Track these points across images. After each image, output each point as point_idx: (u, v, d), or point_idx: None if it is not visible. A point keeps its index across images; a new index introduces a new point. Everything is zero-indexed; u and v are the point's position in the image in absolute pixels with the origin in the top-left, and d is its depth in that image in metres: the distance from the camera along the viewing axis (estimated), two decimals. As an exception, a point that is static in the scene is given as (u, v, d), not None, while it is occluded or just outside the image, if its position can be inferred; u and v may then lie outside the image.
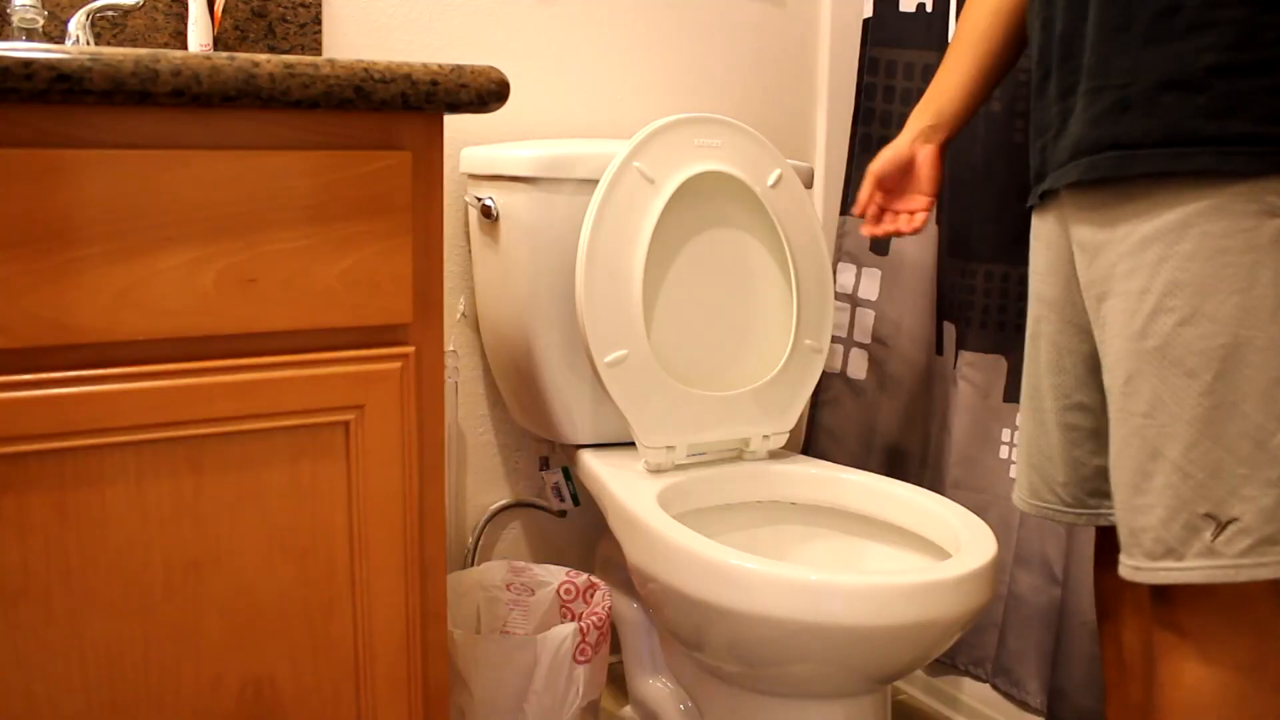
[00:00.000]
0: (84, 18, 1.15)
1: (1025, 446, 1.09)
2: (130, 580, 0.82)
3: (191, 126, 0.79)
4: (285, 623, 0.88)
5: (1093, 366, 1.00)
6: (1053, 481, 1.06)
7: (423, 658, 0.94)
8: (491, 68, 0.87)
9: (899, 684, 1.68)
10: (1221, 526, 0.85)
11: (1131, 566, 0.91)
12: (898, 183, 1.24)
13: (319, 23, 1.35)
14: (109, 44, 1.23)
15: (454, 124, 1.46)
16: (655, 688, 1.39)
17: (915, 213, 1.23)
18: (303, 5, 1.34)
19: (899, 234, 1.24)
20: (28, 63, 0.70)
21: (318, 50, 1.36)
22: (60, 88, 0.72)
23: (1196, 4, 0.83)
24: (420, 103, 0.84)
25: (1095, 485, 1.04)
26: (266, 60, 0.78)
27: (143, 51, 0.74)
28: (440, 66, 0.85)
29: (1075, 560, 1.34)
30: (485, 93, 0.87)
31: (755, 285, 1.41)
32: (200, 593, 0.84)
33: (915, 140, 1.22)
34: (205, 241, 0.80)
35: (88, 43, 1.16)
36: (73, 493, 0.79)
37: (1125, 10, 0.87)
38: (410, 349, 0.90)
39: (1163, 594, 0.92)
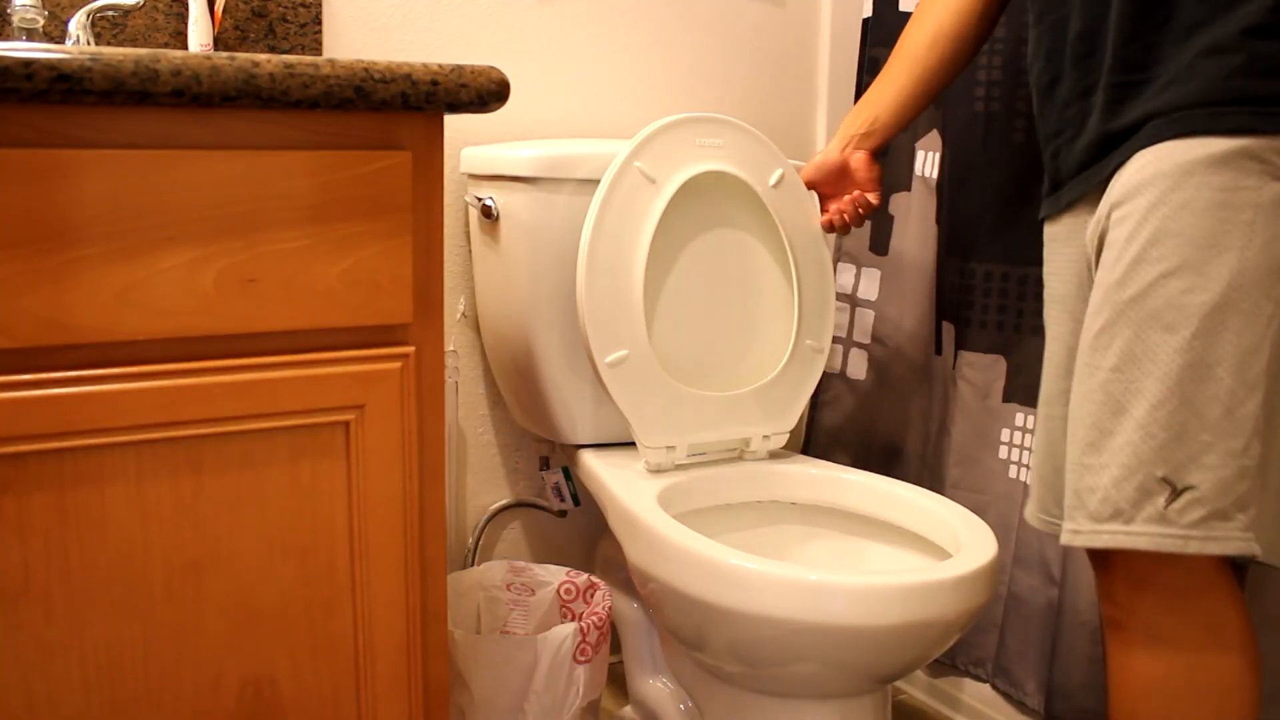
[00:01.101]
0: (84, 18, 1.15)
1: (1037, 460, 1.06)
2: (130, 580, 0.82)
3: (191, 126, 0.79)
4: (285, 623, 0.88)
5: None
6: (1063, 496, 1.02)
7: (423, 658, 0.94)
8: (491, 68, 0.87)
9: (899, 684, 1.68)
10: (1176, 493, 0.81)
11: (1071, 530, 0.87)
12: (834, 188, 1.32)
13: (319, 23, 1.35)
14: (109, 44, 1.23)
15: (454, 124, 1.46)
16: (655, 688, 1.39)
17: (856, 204, 1.29)
18: (303, 5, 1.34)
19: (845, 224, 1.31)
20: (28, 63, 0.70)
21: (318, 50, 1.36)
22: (60, 88, 0.72)
23: None
24: (420, 103, 0.84)
25: None
26: (266, 60, 0.78)
27: (143, 51, 0.74)
28: (440, 66, 0.85)
29: (1074, 561, 1.34)
30: (485, 93, 0.87)
31: (756, 285, 1.41)
32: (200, 593, 0.84)
33: (846, 147, 1.27)
34: (205, 241, 0.80)
35: (88, 43, 1.16)
36: (73, 493, 0.79)
37: (1162, 3, 0.86)
38: (410, 349, 0.90)
39: (1110, 575, 0.88)
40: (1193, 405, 0.81)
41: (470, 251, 1.50)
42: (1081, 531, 0.86)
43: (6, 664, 0.79)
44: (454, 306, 1.52)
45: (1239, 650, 0.85)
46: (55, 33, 1.19)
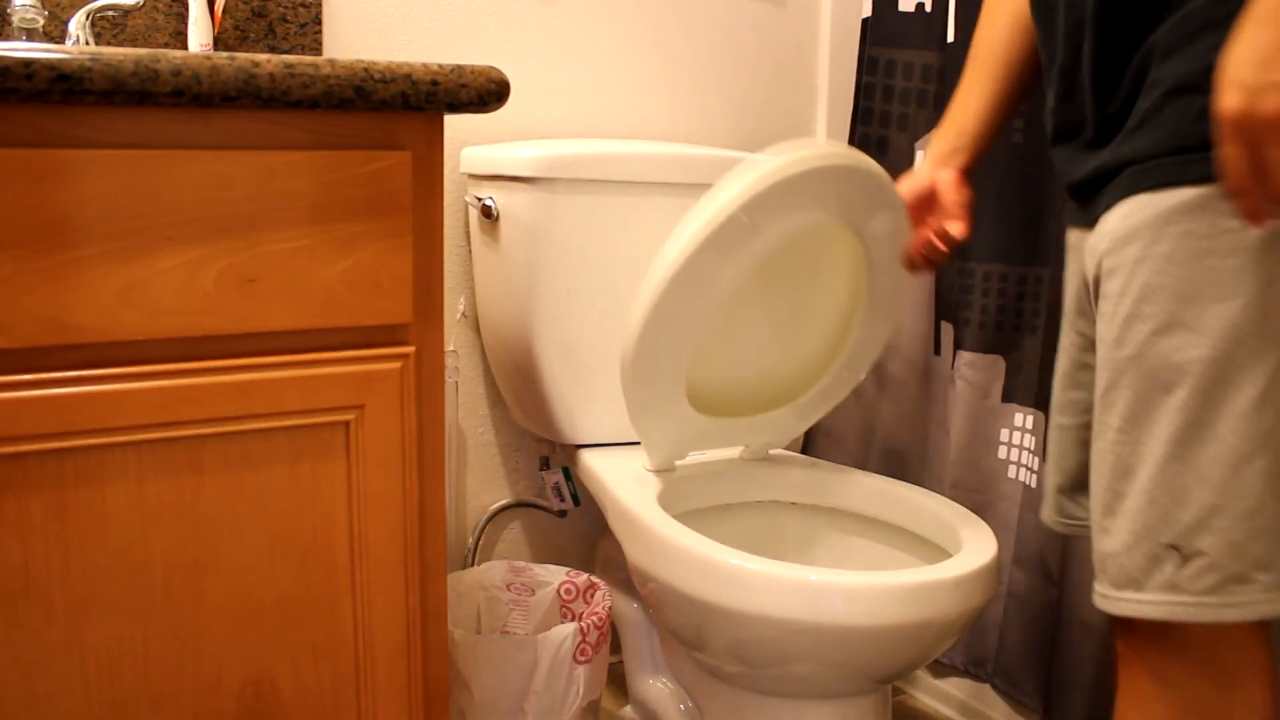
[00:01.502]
0: (84, 18, 1.15)
1: (1049, 467, 1.03)
2: (130, 580, 0.82)
3: (192, 126, 0.79)
4: (285, 623, 0.88)
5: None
6: (1075, 499, 1.00)
7: (423, 658, 0.94)
8: (491, 68, 0.87)
9: (899, 684, 1.68)
10: (1185, 559, 0.78)
11: (1100, 594, 0.85)
12: (923, 214, 1.15)
13: (319, 23, 1.35)
14: (109, 44, 1.23)
15: (454, 124, 1.46)
16: (655, 688, 1.39)
17: (939, 236, 1.14)
18: (303, 5, 1.34)
19: (925, 262, 1.17)
20: (28, 63, 0.70)
21: (318, 50, 1.36)
22: (60, 88, 0.72)
23: (1202, 6, 0.78)
24: (420, 103, 0.84)
25: None
26: (266, 60, 0.78)
27: (143, 51, 0.74)
28: (440, 66, 0.85)
29: (1073, 561, 1.34)
30: (485, 93, 0.87)
31: (813, 312, 1.28)
32: (200, 593, 0.84)
33: (935, 166, 1.13)
34: (205, 241, 0.80)
35: (88, 43, 1.16)
36: (73, 493, 0.79)
37: (1131, 38, 0.83)
38: (410, 349, 0.90)
39: (1122, 624, 0.86)
40: (1195, 467, 0.78)
41: (470, 251, 1.50)
42: (1106, 597, 0.84)
43: (6, 664, 0.79)
44: (454, 306, 1.52)
45: (1254, 707, 0.82)
46: (55, 33, 1.19)
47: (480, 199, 1.37)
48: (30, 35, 1.13)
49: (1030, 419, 1.44)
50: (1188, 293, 0.77)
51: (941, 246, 1.15)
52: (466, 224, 1.50)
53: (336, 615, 0.90)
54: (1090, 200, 0.88)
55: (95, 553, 0.80)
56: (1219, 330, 0.76)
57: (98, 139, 0.76)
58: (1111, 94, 0.85)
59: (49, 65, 0.71)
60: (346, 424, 0.88)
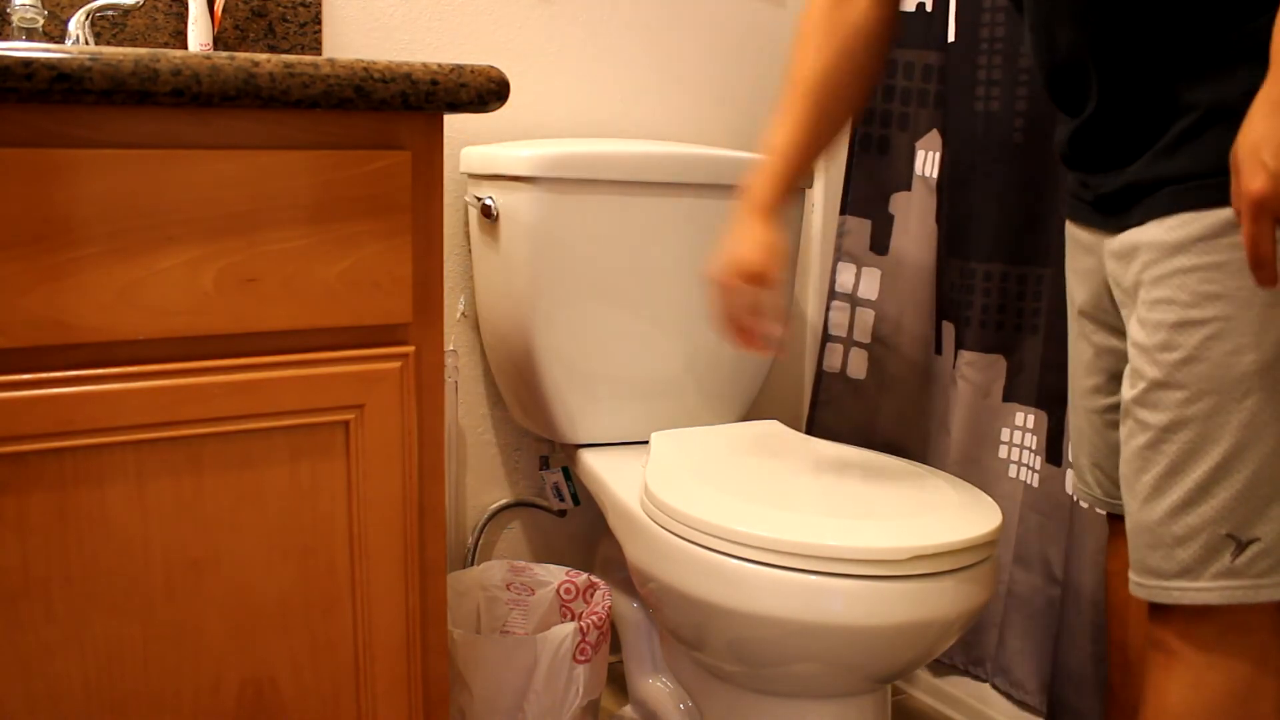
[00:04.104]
0: (84, 17, 1.15)
1: (1075, 451, 1.07)
2: (130, 580, 0.82)
3: (191, 126, 0.79)
4: (285, 623, 0.88)
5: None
6: (1104, 483, 1.05)
7: (423, 658, 0.94)
8: (491, 67, 0.87)
9: (899, 684, 1.68)
10: (1242, 547, 0.83)
11: (1141, 584, 0.88)
12: (741, 297, 1.10)
13: (319, 22, 1.35)
14: (109, 44, 1.23)
15: (454, 124, 1.46)
16: (655, 688, 1.39)
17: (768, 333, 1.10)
18: (303, 5, 1.34)
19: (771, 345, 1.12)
20: (28, 62, 0.70)
21: (318, 50, 1.36)
22: (60, 87, 0.72)
23: (1230, 35, 0.81)
24: (420, 102, 0.84)
25: None
26: (266, 60, 0.78)
27: (143, 51, 0.74)
28: (440, 66, 0.85)
29: (1074, 560, 1.34)
30: (485, 92, 0.87)
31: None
32: (200, 593, 0.84)
33: (757, 215, 1.09)
34: (205, 241, 0.80)
35: (88, 42, 1.16)
36: (73, 493, 0.79)
37: (1160, 44, 0.85)
38: (410, 349, 0.90)
39: (1161, 609, 0.90)
40: (1252, 463, 0.82)
41: (470, 251, 1.50)
42: (1147, 586, 0.88)
43: (6, 663, 0.79)
44: (454, 306, 1.52)
45: None
46: (55, 32, 1.19)
47: (480, 199, 1.37)
48: (30, 35, 1.13)
49: (1031, 418, 1.44)
50: (1241, 299, 0.81)
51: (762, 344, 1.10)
52: (466, 224, 1.50)
53: (336, 615, 0.90)
54: (1120, 212, 0.91)
55: (95, 552, 0.80)
56: (1274, 335, 0.81)
57: (97, 139, 0.76)
58: (1134, 113, 0.88)
59: (49, 65, 0.71)
60: (346, 424, 0.88)
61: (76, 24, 1.15)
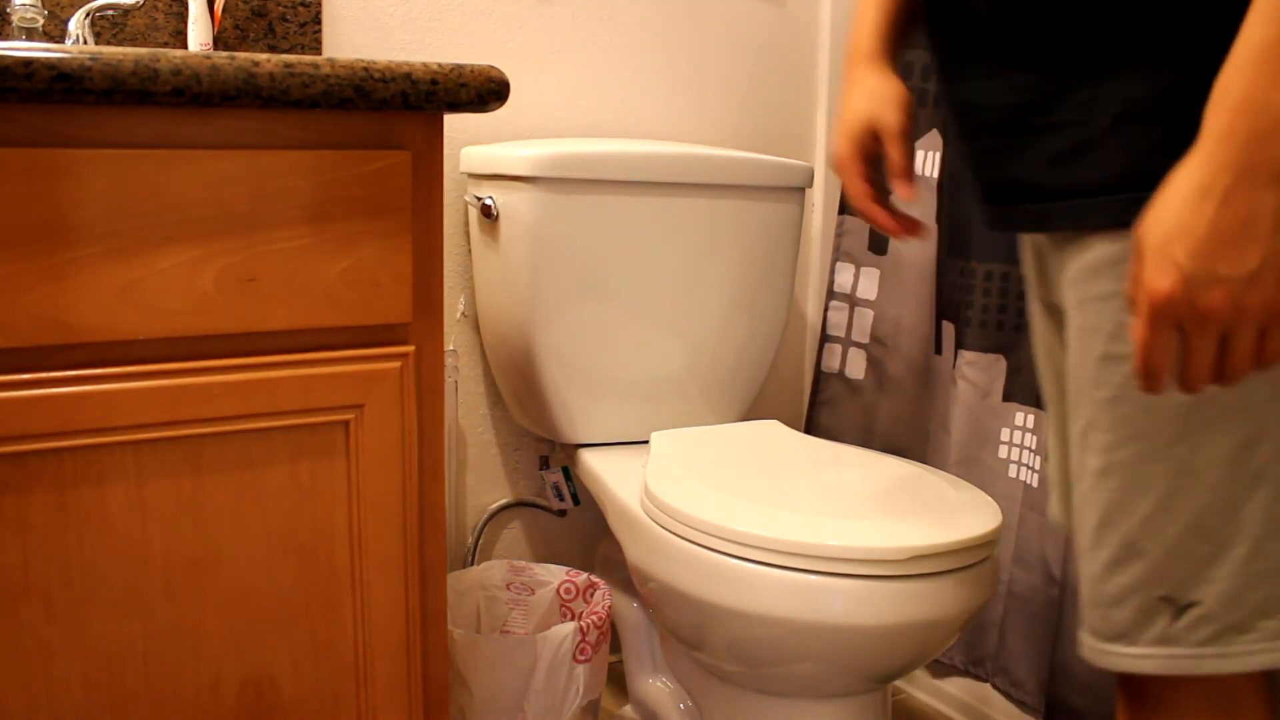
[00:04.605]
0: (84, 17, 1.15)
1: (1054, 461, 0.96)
2: (130, 580, 0.82)
3: (191, 126, 0.79)
4: (285, 623, 0.88)
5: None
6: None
7: (423, 658, 0.94)
8: (491, 67, 0.87)
9: (899, 684, 1.68)
10: (1181, 610, 0.72)
11: (1089, 646, 0.78)
12: (865, 164, 0.96)
13: (319, 22, 1.35)
14: (109, 43, 1.23)
15: (454, 123, 1.46)
16: (655, 687, 1.39)
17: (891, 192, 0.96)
18: (303, 5, 1.34)
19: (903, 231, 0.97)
20: (28, 62, 0.70)
21: (318, 50, 1.36)
22: (60, 87, 0.72)
23: (1145, 20, 0.69)
24: (420, 102, 0.84)
25: None
26: (266, 60, 0.78)
27: (143, 51, 0.74)
28: (440, 66, 0.85)
29: (1074, 560, 1.34)
30: (485, 92, 0.87)
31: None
32: (200, 593, 0.84)
33: (865, 64, 0.95)
34: (205, 241, 0.80)
35: (87, 42, 1.16)
36: (73, 493, 0.79)
37: (1072, 38, 0.73)
38: (410, 348, 0.90)
39: (1122, 679, 0.81)
40: (1185, 516, 0.72)
41: (470, 251, 1.50)
42: (1096, 650, 0.78)
43: (6, 664, 0.79)
44: (454, 306, 1.52)
45: None
46: (55, 32, 1.18)
47: (480, 198, 1.37)
48: (30, 34, 1.13)
49: (1031, 418, 1.44)
50: None
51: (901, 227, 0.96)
52: (466, 223, 1.50)
53: (336, 615, 0.90)
54: (1025, 203, 0.79)
55: (95, 553, 0.80)
56: None
57: (98, 138, 0.76)
58: (1032, 91, 0.75)
59: (49, 64, 0.71)
60: (346, 423, 0.88)
61: (76, 24, 1.15)
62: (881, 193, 0.95)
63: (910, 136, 0.93)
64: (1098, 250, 0.73)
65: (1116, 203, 0.71)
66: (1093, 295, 0.74)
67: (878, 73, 0.94)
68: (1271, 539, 0.72)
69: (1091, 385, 0.75)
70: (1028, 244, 0.93)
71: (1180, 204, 0.62)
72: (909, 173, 0.92)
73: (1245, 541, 0.71)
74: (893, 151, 0.92)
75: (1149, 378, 0.66)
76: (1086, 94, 0.72)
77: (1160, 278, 0.63)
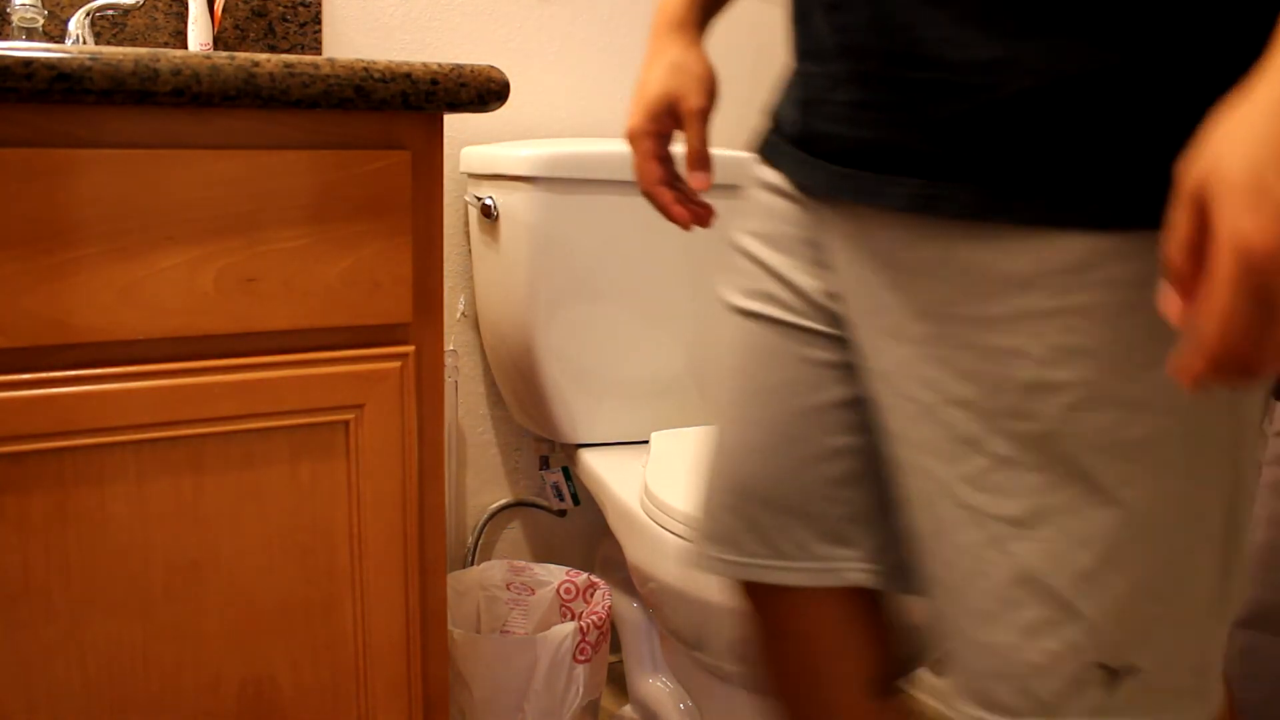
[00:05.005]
0: (84, 17, 1.15)
1: (710, 486, 0.83)
2: (130, 580, 0.82)
3: (191, 126, 0.79)
4: (285, 622, 0.88)
5: (855, 398, 0.75)
6: (773, 526, 0.78)
7: (423, 658, 0.94)
8: (491, 67, 0.87)
9: (899, 684, 1.68)
10: (1117, 678, 0.62)
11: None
12: (661, 144, 0.87)
13: (319, 22, 1.35)
14: (109, 43, 1.23)
15: (454, 123, 1.46)
16: (655, 687, 1.39)
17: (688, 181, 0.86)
18: (303, 5, 1.34)
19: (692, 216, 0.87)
20: (28, 62, 0.70)
21: (318, 50, 1.36)
22: (60, 87, 0.72)
23: None
24: (420, 102, 0.84)
25: (845, 531, 0.78)
26: (266, 60, 0.78)
27: (143, 51, 0.74)
28: (440, 66, 0.85)
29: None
30: (485, 92, 0.87)
31: None
32: (200, 593, 0.84)
33: (671, 35, 0.85)
34: (205, 241, 0.80)
35: (87, 42, 1.16)
36: (73, 493, 0.79)
37: None
38: (410, 348, 0.90)
39: None
40: (1131, 571, 0.61)
41: (470, 251, 1.50)
42: None
43: (6, 664, 0.78)
44: (454, 306, 1.52)
45: None
46: (55, 32, 1.19)
47: (480, 198, 1.37)
48: (30, 34, 1.13)
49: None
50: (1117, 358, 0.59)
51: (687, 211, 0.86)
52: (466, 224, 1.50)
53: (336, 615, 0.90)
54: (891, 175, 0.65)
55: (95, 553, 0.80)
56: (1155, 403, 0.60)
57: (98, 139, 0.76)
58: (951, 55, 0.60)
59: (49, 64, 0.71)
60: (346, 423, 0.87)
61: (76, 24, 1.15)
62: (675, 175, 0.87)
63: (709, 119, 0.84)
64: (1035, 256, 0.60)
65: (1039, 203, 0.59)
66: (1017, 313, 0.61)
67: (685, 44, 0.85)
68: (1215, 598, 0.64)
69: (1010, 417, 0.62)
70: (780, 195, 0.78)
71: (1263, 127, 0.47)
72: (706, 159, 0.84)
73: (1192, 601, 0.63)
74: (691, 135, 0.83)
75: (1225, 368, 0.49)
76: (986, 52, 0.59)
77: (1260, 220, 0.46)
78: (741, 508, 0.80)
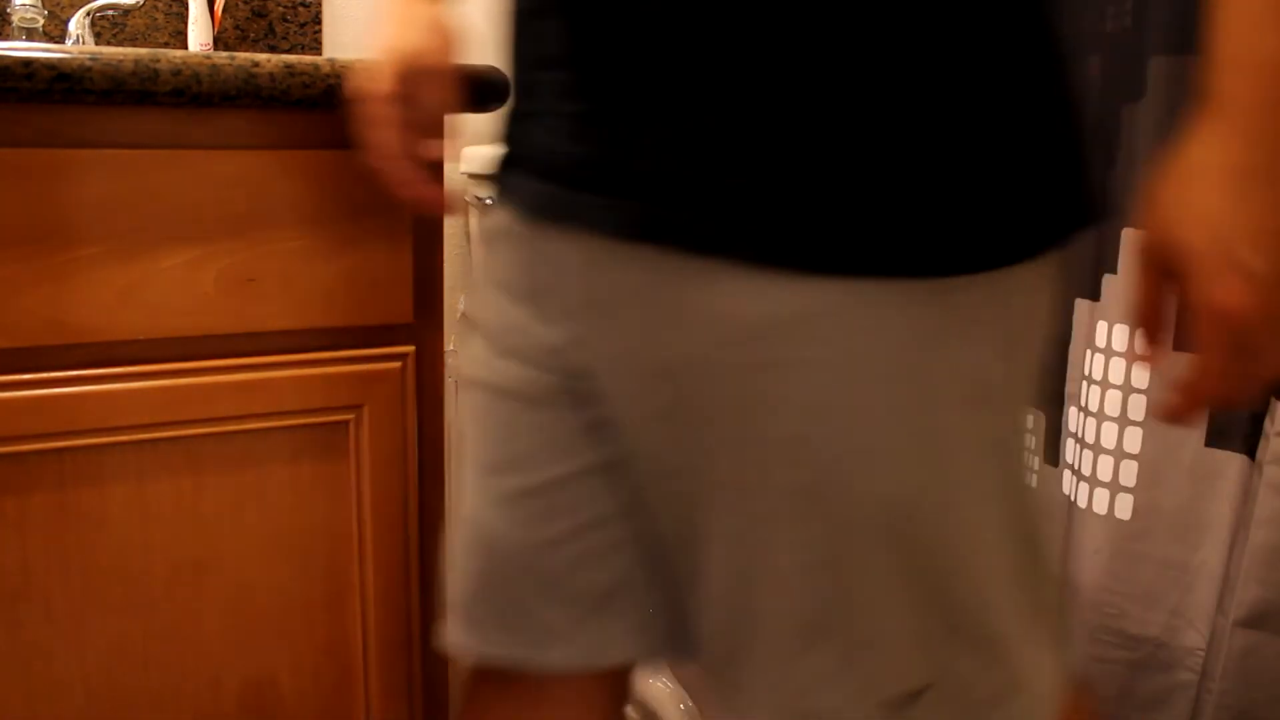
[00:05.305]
0: (84, 17, 1.15)
1: (479, 556, 0.74)
2: (130, 580, 0.82)
3: (192, 126, 0.79)
4: (285, 623, 0.88)
5: (605, 461, 0.67)
6: (523, 611, 0.70)
7: (423, 658, 0.94)
8: (492, 67, 0.87)
9: None
10: (914, 698, 0.60)
11: None
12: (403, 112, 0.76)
13: (319, 22, 1.35)
14: (109, 44, 1.23)
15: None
16: (655, 688, 1.39)
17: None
18: (303, 5, 1.34)
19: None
20: (28, 62, 0.70)
21: (318, 50, 1.36)
22: (60, 87, 0.72)
23: None
24: (420, 102, 0.84)
25: (608, 604, 0.69)
26: (266, 60, 0.78)
27: (143, 51, 0.74)
28: (440, 66, 0.85)
29: (1073, 560, 1.34)
30: (485, 92, 0.87)
31: None
32: (200, 593, 0.84)
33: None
34: (205, 241, 0.80)
35: (87, 42, 1.16)
36: (73, 493, 0.79)
37: None
38: (410, 349, 0.89)
39: None
40: (914, 596, 0.58)
41: (470, 251, 1.50)
42: None
43: (6, 664, 0.79)
44: (454, 306, 1.52)
45: None
46: (55, 32, 1.19)
47: (480, 198, 1.37)
48: (30, 35, 1.13)
49: (1029, 418, 1.44)
50: (873, 405, 0.55)
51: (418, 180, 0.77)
52: (466, 224, 1.50)
53: (337, 615, 0.90)
54: (608, 195, 0.58)
55: (95, 553, 0.80)
56: (918, 451, 0.57)
57: (98, 139, 0.76)
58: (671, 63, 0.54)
59: (49, 65, 0.71)
60: (346, 424, 0.87)
61: (76, 24, 1.15)
62: (417, 148, 0.77)
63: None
64: (764, 301, 0.54)
65: (860, 240, 0.52)
66: (762, 360, 0.55)
67: (431, 2, 0.76)
68: (1009, 591, 0.61)
69: (790, 466, 0.57)
70: (516, 233, 0.67)
71: (1220, 194, 0.49)
72: (448, 125, 0.75)
73: (985, 622, 0.60)
74: (450, 97, 0.75)
75: (1213, 405, 0.53)
76: (744, 68, 0.52)
77: (1231, 289, 0.48)
78: (485, 594, 0.72)
